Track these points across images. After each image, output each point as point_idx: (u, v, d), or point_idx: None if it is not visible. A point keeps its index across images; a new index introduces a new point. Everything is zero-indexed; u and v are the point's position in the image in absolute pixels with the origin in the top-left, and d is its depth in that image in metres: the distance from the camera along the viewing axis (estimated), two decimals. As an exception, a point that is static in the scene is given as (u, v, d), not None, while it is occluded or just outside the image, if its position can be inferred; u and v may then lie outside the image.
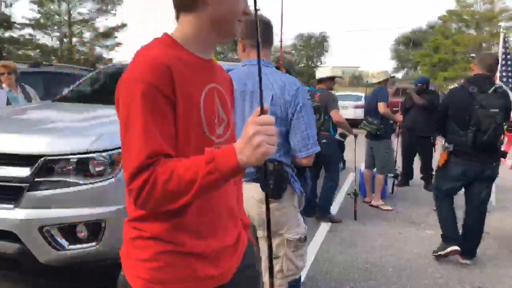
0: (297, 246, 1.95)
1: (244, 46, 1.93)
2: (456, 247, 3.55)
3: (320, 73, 4.91)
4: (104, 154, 2.49)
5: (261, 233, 1.94)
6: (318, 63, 45.20)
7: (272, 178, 1.81)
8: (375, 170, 5.46)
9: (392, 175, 5.75)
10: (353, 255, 3.79)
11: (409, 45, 32.38)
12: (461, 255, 3.64)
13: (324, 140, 4.32)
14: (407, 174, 6.63)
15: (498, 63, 3.61)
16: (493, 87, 3.38)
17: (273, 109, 1.79)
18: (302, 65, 44.17)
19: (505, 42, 5.78)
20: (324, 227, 4.55)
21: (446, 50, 23.63)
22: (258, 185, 1.84)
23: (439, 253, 3.65)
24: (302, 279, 3.23)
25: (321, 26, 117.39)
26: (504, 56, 5.54)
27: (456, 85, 4.40)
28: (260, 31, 1.85)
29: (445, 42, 23.90)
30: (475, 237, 3.67)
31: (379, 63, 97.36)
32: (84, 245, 2.46)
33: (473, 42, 23.40)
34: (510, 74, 5.57)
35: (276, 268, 1.94)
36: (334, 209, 5.19)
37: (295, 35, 42.63)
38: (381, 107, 5.14)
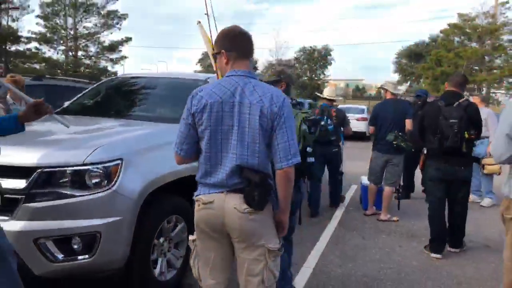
0: (276, 256, 1.94)
1: (227, 58, 1.94)
2: (438, 256, 4.06)
3: (328, 91, 5.77)
4: (100, 166, 2.51)
5: (242, 245, 1.92)
6: (321, 76, 45.31)
7: (258, 190, 1.81)
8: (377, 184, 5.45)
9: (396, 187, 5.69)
10: (351, 268, 3.75)
11: (411, 58, 32.57)
12: (450, 246, 4.24)
13: (336, 149, 5.56)
14: (408, 186, 6.60)
15: (466, 81, 4.19)
16: (458, 101, 3.93)
17: (260, 122, 1.81)
18: (305, 78, 44.27)
19: None
20: (325, 239, 4.52)
21: (448, 63, 23.66)
22: (241, 196, 1.83)
23: (426, 252, 4.19)
24: (299, 292, 3.22)
25: (324, 39, 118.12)
26: None
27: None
28: (241, 43, 1.95)
29: (447, 55, 23.96)
30: (459, 232, 4.24)
31: (382, 76, 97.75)
32: (79, 257, 2.47)
33: (475, 55, 23.41)
34: None
35: (257, 280, 1.92)
36: (333, 222, 5.17)
37: (299, 48, 42.79)
38: (409, 124, 5.17)
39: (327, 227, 4.97)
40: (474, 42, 24.60)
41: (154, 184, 2.78)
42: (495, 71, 22.68)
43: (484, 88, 23.32)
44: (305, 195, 4.81)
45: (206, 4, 3.92)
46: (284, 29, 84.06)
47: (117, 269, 2.60)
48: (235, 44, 1.93)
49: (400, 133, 5.05)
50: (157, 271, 2.90)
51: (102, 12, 26.84)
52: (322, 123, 5.33)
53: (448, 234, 4.24)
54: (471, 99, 5.57)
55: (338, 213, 5.59)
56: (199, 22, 3.58)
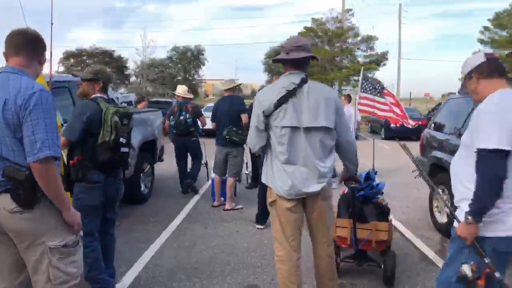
0: (63, 253, 1.93)
1: (5, 57, 1.97)
2: (261, 226, 4.86)
3: (180, 89, 6.61)
4: None
5: (22, 245, 1.90)
6: (196, 76, 45.43)
7: (22, 188, 1.80)
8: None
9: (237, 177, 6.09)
10: (186, 257, 3.94)
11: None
12: (256, 223, 4.89)
13: (195, 138, 6.40)
14: (256, 176, 7.12)
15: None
16: None
17: (5, 115, 1.79)
18: (180, 78, 43.89)
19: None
20: (167, 233, 4.63)
21: (306, 63, 26.03)
22: (9, 195, 1.81)
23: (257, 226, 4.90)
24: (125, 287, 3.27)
25: (198, 39, 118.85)
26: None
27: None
28: (11, 42, 1.98)
29: (304, 56, 26.37)
30: (264, 209, 4.57)
31: (256, 75, 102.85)
32: None
33: (327, 56, 26.32)
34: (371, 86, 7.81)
35: (43, 278, 1.91)
36: (180, 216, 5.33)
37: (171, 47, 42.12)
38: (245, 118, 5.55)
39: (173, 221, 5.09)
40: (326, 45, 27.58)
41: None
42: (343, 70, 25.84)
43: (335, 85, 26.43)
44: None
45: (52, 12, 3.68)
46: (155, 28, 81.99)
47: None
48: (7, 44, 1.98)
49: (234, 128, 5.46)
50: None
51: None
52: (181, 117, 6.24)
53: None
54: None
55: (188, 207, 5.77)
56: None
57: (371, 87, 7.76)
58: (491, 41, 24.50)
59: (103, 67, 3.20)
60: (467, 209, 1.95)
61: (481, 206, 1.89)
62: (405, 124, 8.07)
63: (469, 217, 1.93)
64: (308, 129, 2.44)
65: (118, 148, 2.86)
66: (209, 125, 6.09)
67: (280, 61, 2.61)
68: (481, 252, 1.97)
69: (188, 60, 45.15)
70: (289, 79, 2.50)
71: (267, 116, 2.46)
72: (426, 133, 5.60)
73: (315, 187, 2.46)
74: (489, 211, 1.91)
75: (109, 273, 3.00)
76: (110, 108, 2.87)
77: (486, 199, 1.88)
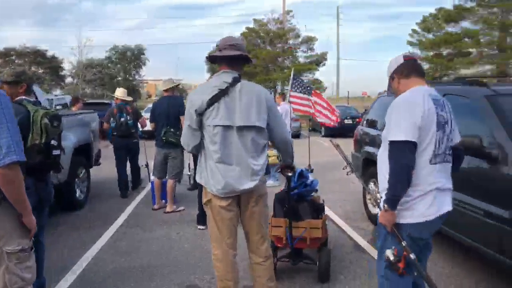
0: (20, 258, 1.91)
1: None
2: (203, 227, 4.70)
3: (119, 92, 6.58)
4: None
5: None
6: (137, 77, 44.12)
7: None
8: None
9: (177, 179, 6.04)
10: (123, 262, 3.84)
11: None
12: (197, 224, 4.87)
13: (136, 140, 6.59)
14: (198, 177, 7.10)
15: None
16: None
17: None
18: (120, 78, 42.38)
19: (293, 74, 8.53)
20: (105, 238, 4.48)
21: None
22: None
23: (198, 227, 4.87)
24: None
25: (139, 38, 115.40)
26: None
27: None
28: None
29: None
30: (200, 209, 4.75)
31: (199, 75, 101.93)
32: None
33: (269, 56, 26.74)
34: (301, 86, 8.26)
35: None
36: (119, 220, 5.18)
37: (110, 47, 40.47)
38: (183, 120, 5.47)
39: (112, 226, 4.94)
40: (268, 45, 28.02)
41: None
42: (285, 70, 26.38)
43: (278, 85, 26.99)
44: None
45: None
46: (92, 26, 78.23)
47: None
48: None
49: (171, 129, 5.39)
50: None
51: None
52: (122, 119, 6.32)
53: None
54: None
55: (127, 211, 5.61)
56: None
57: (301, 87, 8.03)
58: (419, 43, 26.18)
59: (24, 68, 3.06)
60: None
61: (394, 194, 2.06)
62: (331, 122, 8.35)
63: (385, 205, 2.09)
64: (240, 128, 2.45)
65: (50, 151, 2.75)
66: (149, 126, 5.98)
67: (214, 59, 2.63)
68: (399, 237, 2.14)
69: (128, 60, 43.71)
70: (221, 78, 2.51)
71: (200, 114, 2.46)
72: (360, 130, 5.90)
73: (248, 185, 2.48)
74: (402, 198, 2.07)
75: (38, 283, 2.85)
76: (40, 110, 2.75)
77: (397, 188, 2.04)
